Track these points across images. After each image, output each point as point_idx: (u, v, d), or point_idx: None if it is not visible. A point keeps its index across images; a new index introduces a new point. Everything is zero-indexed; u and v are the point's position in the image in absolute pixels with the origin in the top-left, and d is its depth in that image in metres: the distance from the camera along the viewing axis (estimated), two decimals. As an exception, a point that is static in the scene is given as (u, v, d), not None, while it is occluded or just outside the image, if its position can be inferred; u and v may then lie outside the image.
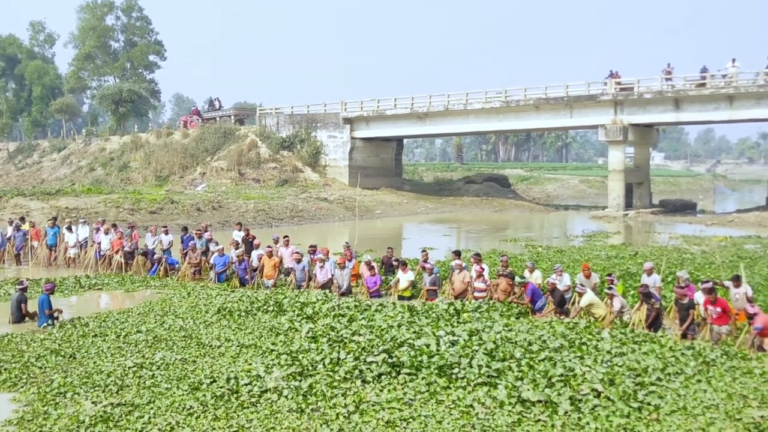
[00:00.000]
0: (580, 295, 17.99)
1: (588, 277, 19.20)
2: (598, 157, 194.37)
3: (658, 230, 46.80)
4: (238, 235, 27.20)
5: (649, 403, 10.71)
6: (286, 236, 25.23)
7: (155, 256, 25.92)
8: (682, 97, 53.95)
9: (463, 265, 20.83)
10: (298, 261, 22.78)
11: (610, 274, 19.13)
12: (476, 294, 19.59)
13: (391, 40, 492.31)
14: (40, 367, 13.45)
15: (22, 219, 31.08)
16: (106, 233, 27.21)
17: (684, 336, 15.68)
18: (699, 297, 16.64)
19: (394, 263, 22.92)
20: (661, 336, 15.13)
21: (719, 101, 52.80)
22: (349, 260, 22.69)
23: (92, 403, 11.22)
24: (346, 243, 24.73)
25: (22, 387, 12.36)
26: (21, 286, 18.46)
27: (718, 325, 15.59)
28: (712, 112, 53.91)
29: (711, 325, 15.78)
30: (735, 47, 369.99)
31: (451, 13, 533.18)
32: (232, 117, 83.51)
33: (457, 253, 22.52)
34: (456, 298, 19.47)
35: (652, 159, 79.09)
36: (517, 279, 19.45)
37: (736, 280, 17.47)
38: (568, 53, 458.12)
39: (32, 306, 18.22)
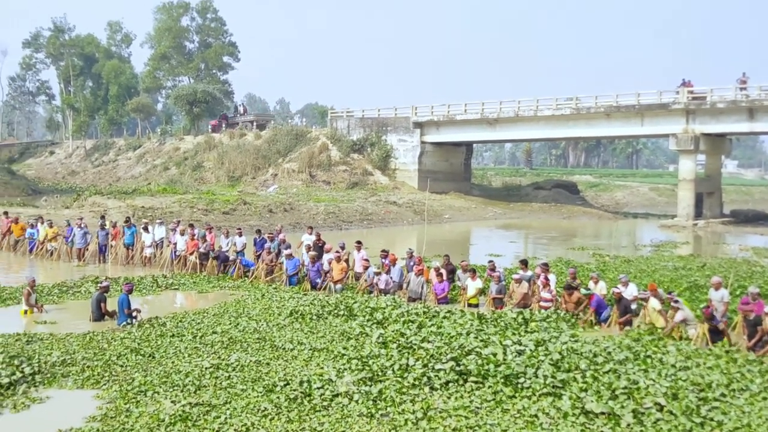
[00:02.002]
0: (646, 300, 18.17)
1: (655, 296, 19.06)
2: (669, 163, 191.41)
3: (728, 241, 46.28)
4: (308, 239, 27.35)
5: (712, 419, 10.81)
6: (359, 241, 25.63)
7: (230, 258, 26.47)
8: (757, 107, 53.01)
9: (528, 275, 21.10)
10: (366, 268, 23.24)
11: (671, 292, 19.10)
12: (542, 304, 19.75)
13: (459, 42, 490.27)
14: (121, 366, 13.93)
15: (103, 218, 32.07)
16: (182, 234, 27.87)
17: (752, 351, 15.68)
18: None
19: (462, 268, 22.97)
20: (727, 350, 15.24)
21: (795, 112, 51.85)
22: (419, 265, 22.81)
23: (171, 402, 11.66)
24: (410, 249, 24.96)
25: (104, 384, 12.83)
26: (102, 285, 19.15)
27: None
28: (788, 123, 53.07)
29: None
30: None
31: (521, 20, 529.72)
32: (254, 123, 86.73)
33: (524, 262, 22.54)
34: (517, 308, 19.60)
35: (725, 167, 77.81)
36: (582, 291, 19.60)
37: None
38: (640, 62, 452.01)
39: (111, 304, 18.85)
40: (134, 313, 18.22)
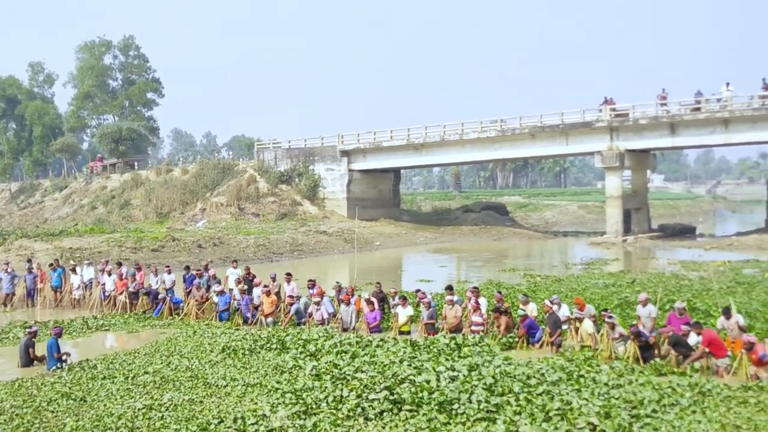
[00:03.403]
0: (580, 321, 18.36)
1: (582, 310, 19.28)
2: (597, 180, 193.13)
3: (657, 256, 46.94)
4: (233, 273, 27.34)
5: (643, 436, 10.94)
6: (288, 273, 25.56)
7: (159, 296, 26.20)
8: (678, 121, 54.47)
9: (455, 299, 21.17)
10: (291, 304, 23.07)
11: (605, 310, 19.36)
12: (473, 328, 19.86)
13: (386, 72, 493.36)
14: (52, 411, 13.63)
15: (30, 261, 31.56)
16: (109, 274, 27.55)
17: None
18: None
19: (392, 296, 23.09)
20: (659, 364, 15.53)
21: (715, 125, 53.24)
22: (351, 296, 22.83)
23: (104, 446, 11.49)
24: (338, 283, 24.87)
25: (35, 432, 12.57)
26: (30, 331, 18.81)
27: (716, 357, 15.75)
28: (708, 136, 54.55)
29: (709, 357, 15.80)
30: (728, 71, 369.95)
31: (444, 44, 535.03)
32: (125, 163, 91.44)
33: (450, 288, 22.79)
34: (451, 332, 19.66)
35: (651, 181, 79.07)
36: (520, 312, 19.74)
37: (726, 313, 17.62)
38: (563, 81, 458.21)
39: (40, 349, 18.51)
40: (64, 357, 17.92)
